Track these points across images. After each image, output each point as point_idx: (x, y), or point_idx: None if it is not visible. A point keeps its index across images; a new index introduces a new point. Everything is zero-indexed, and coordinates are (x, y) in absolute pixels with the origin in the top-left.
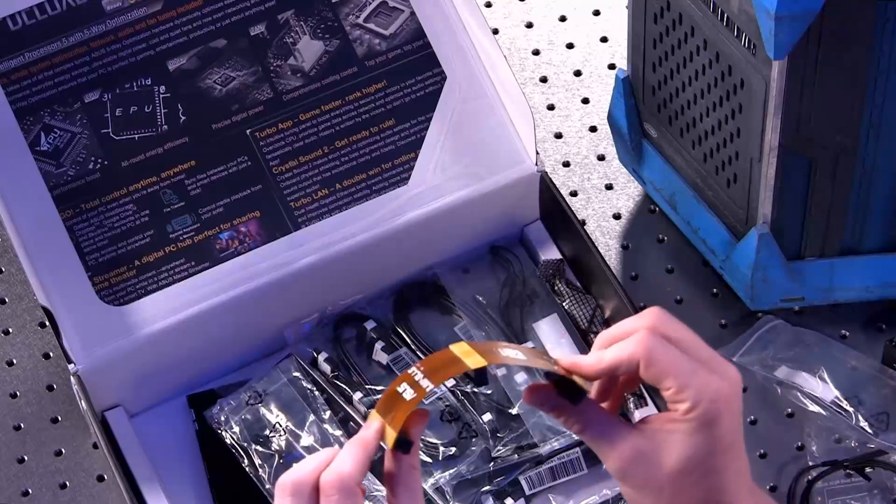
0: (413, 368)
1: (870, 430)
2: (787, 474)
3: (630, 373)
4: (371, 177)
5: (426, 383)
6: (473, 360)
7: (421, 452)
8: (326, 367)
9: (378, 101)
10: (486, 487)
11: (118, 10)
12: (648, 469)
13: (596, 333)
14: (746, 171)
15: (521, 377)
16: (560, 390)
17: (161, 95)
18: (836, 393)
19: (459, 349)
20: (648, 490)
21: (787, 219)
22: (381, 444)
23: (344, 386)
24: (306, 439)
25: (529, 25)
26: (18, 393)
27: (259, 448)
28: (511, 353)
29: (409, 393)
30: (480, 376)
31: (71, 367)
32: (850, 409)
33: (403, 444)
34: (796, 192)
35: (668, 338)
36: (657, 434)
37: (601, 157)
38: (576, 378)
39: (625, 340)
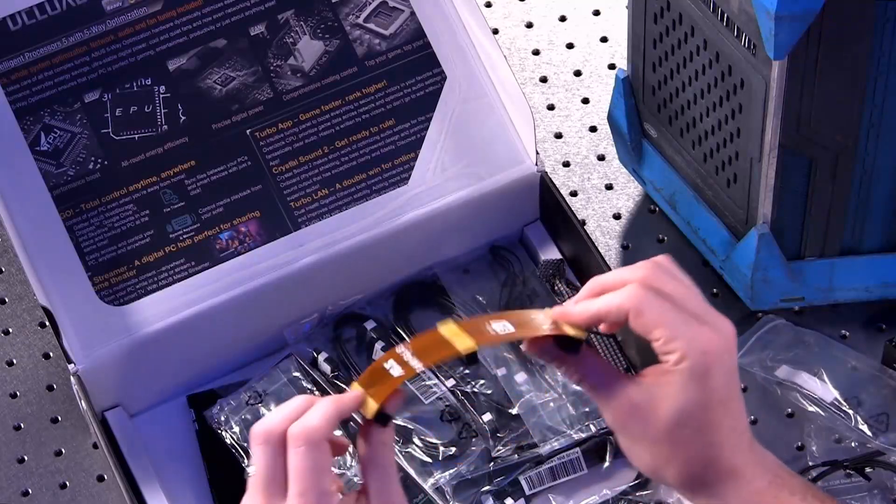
0: (401, 347)
1: (870, 431)
2: None
3: (618, 322)
4: (371, 177)
5: (416, 363)
6: (463, 343)
7: (421, 452)
8: (326, 367)
9: (378, 101)
10: (486, 487)
11: (118, 10)
12: (643, 421)
13: (596, 333)
14: (746, 171)
15: (521, 377)
16: (557, 342)
17: (161, 95)
18: (836, 393)
19: (448, 330)
20: (645, 443)
21: (787, 219)
22: (358, 414)
23: (344, 386)
24: None
25: (529, 25)
26: (18, 393)
27: None
28: (499, 326)
29: (396, 370)
30: (471, 357)
31: (71, 367)
32: (850, 410)
33: (383, 417)
34: (796, 192)
35: (661, 291)
36: (652, 387)
37: (601, 157)
38: (568, 330)
39: (615, 291)
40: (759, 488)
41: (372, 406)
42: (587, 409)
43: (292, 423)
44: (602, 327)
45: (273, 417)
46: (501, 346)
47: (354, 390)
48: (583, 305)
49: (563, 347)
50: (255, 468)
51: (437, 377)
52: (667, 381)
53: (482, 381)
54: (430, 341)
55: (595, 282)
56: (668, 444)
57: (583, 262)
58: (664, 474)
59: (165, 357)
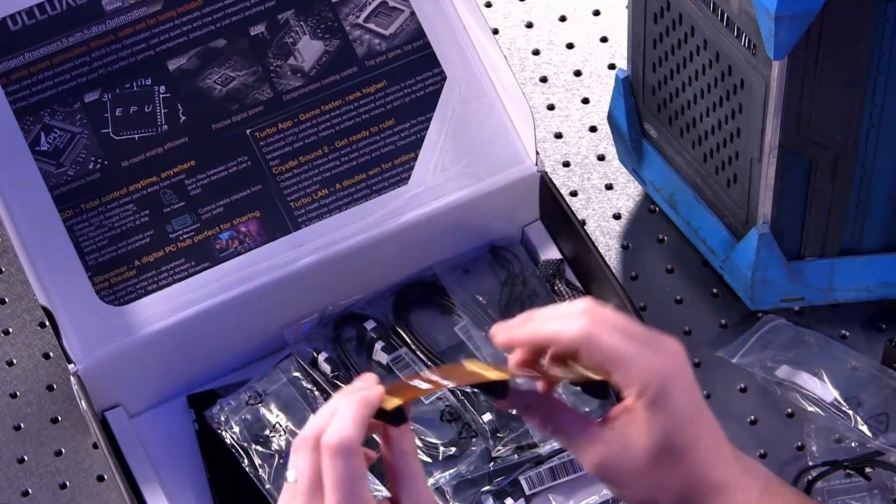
0: (426, 372)
1: (869, 431)
2: (787, 474)
3: (562, 352)
4: (371, 177)
5: (445, 382)
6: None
7: (421, 452)
8: (326, 367)
9: (378, 101)
10: (486, 487)
11: (118, 10)
12: (621, 464)
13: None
14: (746, 171)
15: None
16: (487, 389)
17: (161, 95)
18: (836, 393)
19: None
20: (629, 483)
21: (787, 219)
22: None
23: (344, 386)
24: None
25: (529, 25)
26: (18, 393)
27: (259, 448)
28: (436, 378)
29: (422, 385)
30: (501, 387)
31: (71, 367)
32: (850, 410)
33: (398, 415)
34: (796, 192)
35: (607, 322)
36: (622, 428)
37: (601, 157)
38: (491, 374)
39: (566, 318)
40: (749, 500)
41: (393, 402)
42: (587, 410)
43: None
44: (546, 361)
45: (318, 423)
46: None
47: (376, 388)
48: (531, 326)
49: (491, 392)
50: (298, 474)
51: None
52: (633, 418)
53: None
54: (456, 370)
55: (539, 314)
56: (652, 478)
57: (583, 262)
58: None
59: (165, 357)
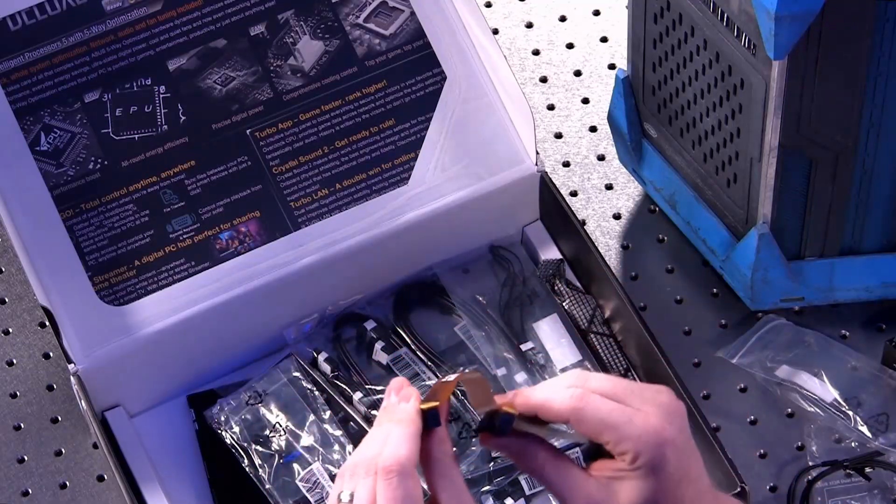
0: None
1: (869, 431)
2: (787, 474)
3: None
4: (371, 177)
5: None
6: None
7: None
8: (326, 367)
9: (378, 101)
10: (486, 487)
11: (118, 10)
12: None
13: (596, 333)
14: (746, 171)
15: (520, 377)
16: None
17: (161, 95)
18: (836, 393)
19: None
20: None
21: (787, 219)
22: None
23: (344, 386)
24: (306, 439)
25: (529, 25)
26: (18, 393)
27: (259, 448)
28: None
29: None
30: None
31: (71, 367)
32: (850, 410)
33: (432, 418)
34: (796, 192)
35: (596, 390)
36: (611, 483)
37: (601, 157)
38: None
39: (556, 389)
40: None
41: (427, 404)
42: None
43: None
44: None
45: (369, 450)
46: (501, 345)
47: (412, 399)
48: (523, 394)
49: (491, 428)
50: (357, 497)
51: (438, 377)
52: (624, 476)
53: None
54: (478, 386)
55: (527, 389)
56: None
57: (583, 262)
58: None
59: (165, 357)
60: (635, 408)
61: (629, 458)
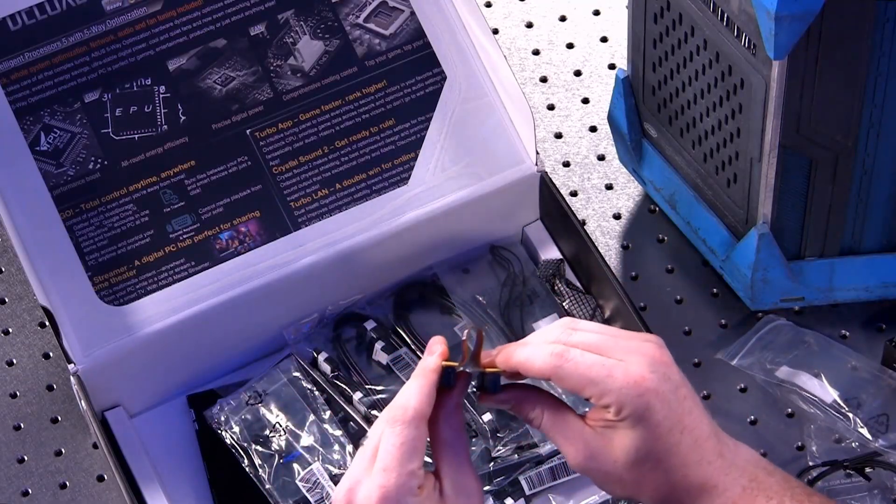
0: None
1: (870, 432)
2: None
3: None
4: (371, 177)
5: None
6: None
7: None
8: (326, 367)
9: (378, 101)
10: (486, 487)
11: (118, 10)
12: (603, 465)
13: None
14: (746, 171)
15: None
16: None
17: (161, 95)
18: (836, 394)
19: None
20: (609, 483)
21: (787, 219)
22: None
23: (344, 386)
24: (306, 439)
25: (529, 25)
26: (18, 393)
27: (259, 448)
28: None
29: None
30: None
31: (71, 367)
32: (850, 410)
33: (447, 377)
34: (796, 192)
35: (577, 345)
36: (604, 432)
37: (601, 157)
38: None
39: (536, 348)
40: (733, 497)
41: (451, 362)
42: (587, 410)
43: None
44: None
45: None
46: (501, 345)
47: (435, 354)
48: (504, 353)
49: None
50: (371, 437)
51: None
52: (614, 426)
53: None
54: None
55: (511, 345)
56: (631, 481)
57: (583, 262)
58: (637, 500)
59: (165, 357)
60: (617, 359)
61: (613, 410)
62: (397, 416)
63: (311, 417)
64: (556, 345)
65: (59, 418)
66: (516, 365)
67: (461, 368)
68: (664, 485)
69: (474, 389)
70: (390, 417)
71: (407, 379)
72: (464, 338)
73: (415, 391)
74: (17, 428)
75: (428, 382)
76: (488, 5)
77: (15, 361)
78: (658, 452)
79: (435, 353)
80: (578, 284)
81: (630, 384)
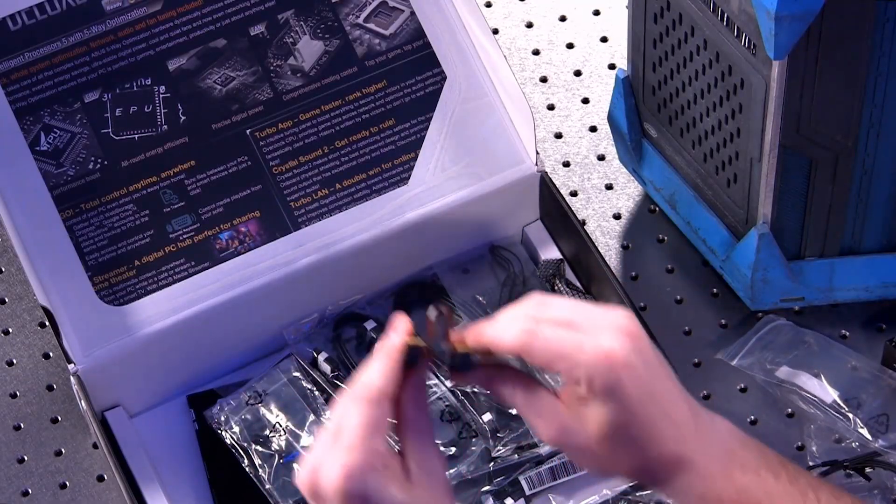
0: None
1: (870, 432)
2: None
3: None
4: (371, 177)
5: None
6: None
7: None
8: (326, 367)
9: (378, 101)
10: (486, 487)
11: (118, 10)
12: (576, 441)
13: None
14: (746, 171)
15: None
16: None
17: (161, 95)
18: (837, 394)
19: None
20: (584, 458)
21: (787, 219)
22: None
23: (344, 386)
24: (306, 439)
25: (529, 25)
26: (18, 393)
27: (259, 448)
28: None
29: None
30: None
31: (71, 367)
32: (850, 411)
33: (411, 356)
34: (796, 192)
35: (545, 320)
36: (577, 406)
37: (601, 157)
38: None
39: (505, 325)
40: (709, 471)
41: (413, 341)
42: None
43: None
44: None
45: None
46: None
47: (399, 331)
48: (474, 330)
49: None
50: (333, 418)
51: (437, 377)
52: (586, 404)
53: None
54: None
55: (483, 322)
56: (607, 455)
57: (583, 262)
58: (613, 475)
59: (165, 357)
60: (588, 334)
61: (584, 385)
62: (361, 394)
63: (312, 417)
64: (525, 320)
65: (59, 418)
66: (486, 342)
67: (425, 346)
68: (638, 459)
69: (444, 368)
70: (354, 396)
71: None
72: (430, 317)
73: (378, 370)
74: (17, 428)
75: (392, 361)
76: (488, 5)
77: (15, 361)
78: (631, 426)
79: (399, 331)
80: (578, 284)
81: (600, 358)
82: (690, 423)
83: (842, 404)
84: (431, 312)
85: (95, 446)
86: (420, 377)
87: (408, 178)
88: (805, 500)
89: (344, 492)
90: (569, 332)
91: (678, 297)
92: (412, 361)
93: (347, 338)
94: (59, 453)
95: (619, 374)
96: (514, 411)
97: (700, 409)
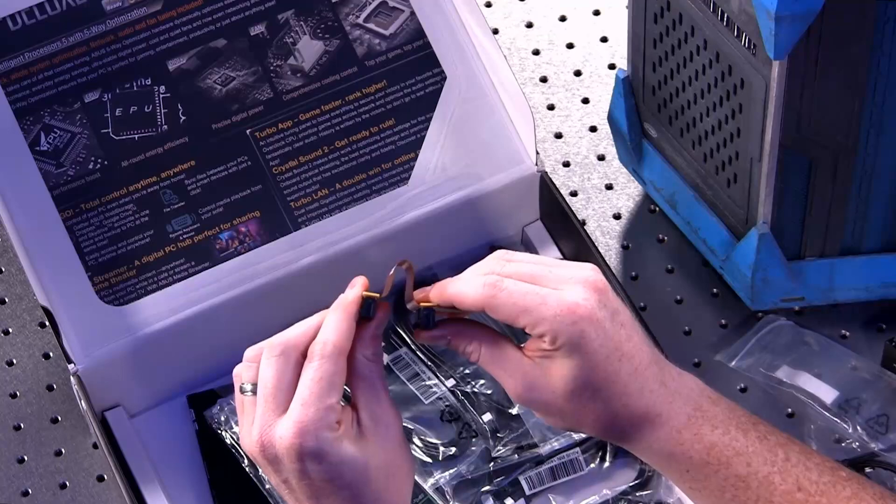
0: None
1: (870, 432)
2: None
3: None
4: (371, 177)
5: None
6: None
7: (421, 452)
8: None
9: (378, 101)
10: (486, 487)
11: (118, 10)
12: (542, 396)
13: None
14: (746, 171)
15: None
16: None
17: (161, 95)
18: (837, 394)
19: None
20: (550, 414)
21: (787, 219)
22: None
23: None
24: None
25: (529, 25)
26: (18, 393)
27: None
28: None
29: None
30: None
31: (71, 367)
32: (851, 411)
33: (365, 309)
34: (796, 192)
35: (510, 276)
36: (542, 361)
37: (601, 157)
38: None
39: (469, 280)
40: (677, 426)
41: (369, 295)
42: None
43: (310, 338)
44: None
45: (292, 332)
46: None
47: (355, 288)
48: (438, 287)
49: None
50: (264, 380)
51: (437, 377)
52: (550, 356)
53: (482, 381)
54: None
55: (440, 284)
56: (572, 410)
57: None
58: (580, 431)
59: (165, 357)
60: (552, 288)
61: (548, 339)
62: (315, 350)
63: None
64: (489, 276)
65: (59, 418)
66: (450, 297)
67: (380, 297)
68: (605, 414)
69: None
70: (310, 352)
71: (407, 379)
72: (390, 272)
73: (333, 325)
74: (17, 428)
75: (347, 315)
76: (488, 5)
77: (15, 361)
78: (596, 381)
79: (355, 286)
80: None
81: (564, 312)
82: (657, 377)
83: (842, 404)
84: (393, 270)
85: (95, 446)
86: (374, 329)
87: (408, 178)
88: (774, 457)
89: (297, 448)
90: (532, 286)
91: (678, 298)
92: (368, 314)
93: None
94: (59, 453)
95: (583, 329)
96: (514, 411)
97: (667, 364)
